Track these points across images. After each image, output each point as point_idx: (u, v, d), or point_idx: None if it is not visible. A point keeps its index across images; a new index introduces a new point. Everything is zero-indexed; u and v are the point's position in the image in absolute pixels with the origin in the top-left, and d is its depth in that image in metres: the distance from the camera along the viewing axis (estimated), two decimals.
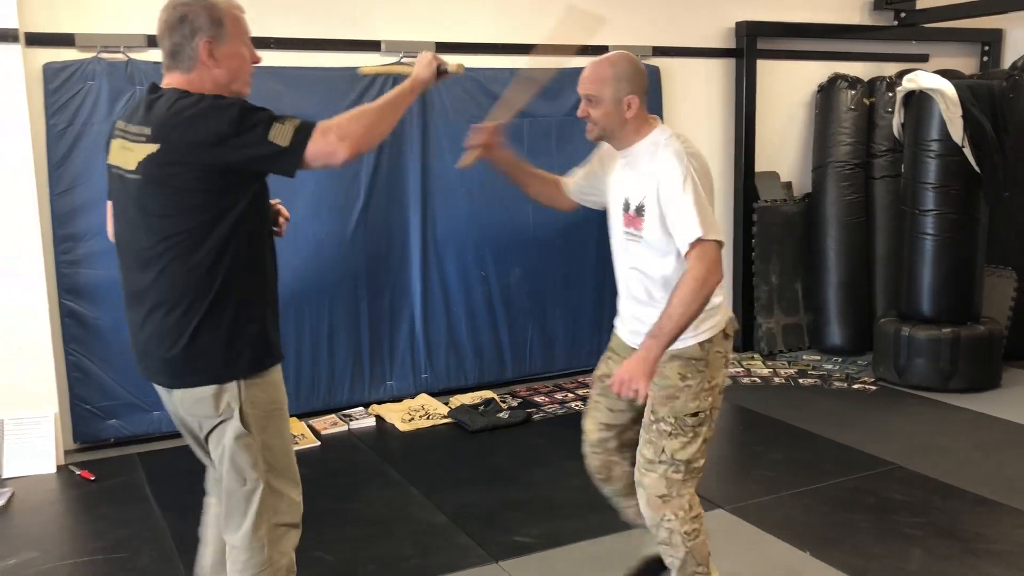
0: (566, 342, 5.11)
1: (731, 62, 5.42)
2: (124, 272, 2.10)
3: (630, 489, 2.54)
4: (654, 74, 5.12)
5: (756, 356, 5.46)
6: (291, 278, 4.28)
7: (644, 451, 2.42)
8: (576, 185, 2.64)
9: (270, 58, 4.28)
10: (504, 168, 2.63)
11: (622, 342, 2.53)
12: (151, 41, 4.02)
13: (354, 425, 4.37)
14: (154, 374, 2.10)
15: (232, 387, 2.03)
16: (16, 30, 3.70)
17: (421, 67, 2.22)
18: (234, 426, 2.03)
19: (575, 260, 5.05)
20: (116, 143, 2.07)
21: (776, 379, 5.04)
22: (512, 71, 4.74)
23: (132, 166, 1.98)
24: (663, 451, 2.38)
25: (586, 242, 5.01)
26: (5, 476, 3.77)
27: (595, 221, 5.04)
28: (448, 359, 4.82)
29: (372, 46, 4.51)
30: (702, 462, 2.42)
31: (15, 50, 3.71)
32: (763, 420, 4.39)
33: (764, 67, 5.44)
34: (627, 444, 2.56)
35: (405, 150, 4.60)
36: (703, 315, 2.28)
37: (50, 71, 3.88)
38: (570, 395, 4.78)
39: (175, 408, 2.13)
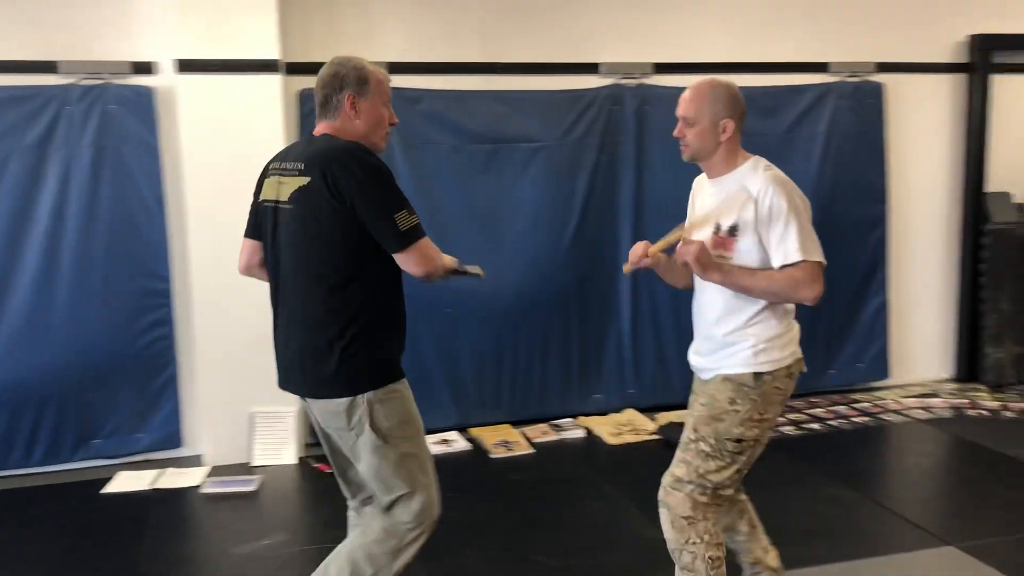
0: None
1: (961, 77, 5.16)
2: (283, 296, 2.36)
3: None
4: (876, 92, 4.96)
5: (983, 388, 5.15)
6: (508, 292, 4.48)
7: (675, 470, 2.43)
8: None
9: (496, 82, 4.53)
10: (663, 272, 2.61)
11: (698, 379, 2.54)
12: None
13: (564, 435, 4.50)
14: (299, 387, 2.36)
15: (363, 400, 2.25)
16: (277, 61, 4.09)
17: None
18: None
19: None
20: (269, 180, 2.36)
21: (1006, 412, 4.74)
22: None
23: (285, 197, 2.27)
24: (696, 471, 2.38)
25: None
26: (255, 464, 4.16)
27: None
28: (655, 375, 4.86)
29: (591, 69, 4.65)
30: (730, 491, 2.43)
31: (276, 79, 4.10)
32: (992, 456, 4.15)
33: (998, 82, 5.15)
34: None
35: (619, 169, 4.70)
36: (768, 342, 2.34)
37: (304, 96, 4.26)
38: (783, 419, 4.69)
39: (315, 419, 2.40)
